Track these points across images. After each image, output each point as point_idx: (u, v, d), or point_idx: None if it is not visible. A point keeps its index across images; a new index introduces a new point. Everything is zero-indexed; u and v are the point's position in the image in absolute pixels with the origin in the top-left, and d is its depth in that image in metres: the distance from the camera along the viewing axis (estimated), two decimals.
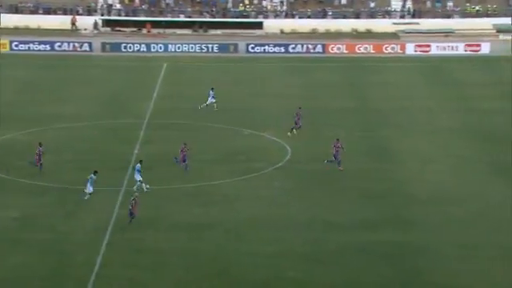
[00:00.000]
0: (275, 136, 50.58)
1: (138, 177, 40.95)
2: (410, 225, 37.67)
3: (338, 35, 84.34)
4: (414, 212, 39.11)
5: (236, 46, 79.19)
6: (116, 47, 78.31)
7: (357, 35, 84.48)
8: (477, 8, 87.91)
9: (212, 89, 57.10)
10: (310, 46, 79.33)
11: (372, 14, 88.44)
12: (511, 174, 43.98)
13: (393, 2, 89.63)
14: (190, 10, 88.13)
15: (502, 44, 79.56)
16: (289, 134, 50.33)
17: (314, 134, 51.67)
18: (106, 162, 45.33)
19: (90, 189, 39.79)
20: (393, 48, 79.23)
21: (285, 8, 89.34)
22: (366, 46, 79.29)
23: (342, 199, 40.84)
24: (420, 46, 79.25)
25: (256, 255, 34.71)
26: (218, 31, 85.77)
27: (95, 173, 40.09)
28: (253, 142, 50.15)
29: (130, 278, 32.55)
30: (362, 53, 78.55)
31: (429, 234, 36.65)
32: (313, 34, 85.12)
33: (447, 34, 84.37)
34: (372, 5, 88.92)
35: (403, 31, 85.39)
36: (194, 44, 78.91)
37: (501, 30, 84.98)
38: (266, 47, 79.33)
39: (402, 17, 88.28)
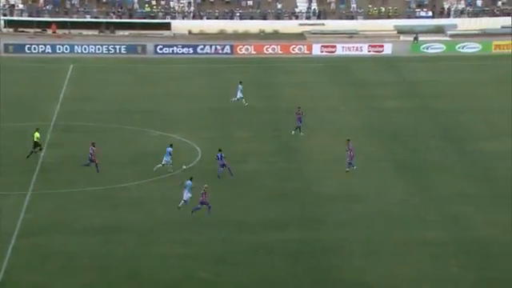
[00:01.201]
0: (185, 137, 50.23)
1: (187, 195, 38.53)
2: (318, 223, 38.04)
3: (245, 36, 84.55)
4: (322, 210, 39.52)
5: (144, 47, 78.38)
6: (19, 48, 76.34)
7: (264, 36, 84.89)
8: (379, 9, 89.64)
9: (240, 82, 57.81)
10: (218, 47, 79.23)
11: (279, 15, 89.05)
12: (412, 171, 44.95)
13: (299, 4, 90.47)
14: (95, 10, 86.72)
15: (402, 45, 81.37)
16: (292, 132, 50.71)
17: (224, 134, 51.60)
18: (12, 166, 44.07)
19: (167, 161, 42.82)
20: (300, 49, 79.96)
21: (192, 9, 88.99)
22: (274, 46, 79.74)
23: (251, 199, 40.89)
24: (326, 46, 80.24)
25: (167, 257, 34.42)
26: (126, 32, 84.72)
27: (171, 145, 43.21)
28: (162, 143, 49.67)
29: (36, 282, 31.74)
30: (270, 53, 78.96)
31: (336, 231, 37.11)
32: (221, 35, 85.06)
33: (351, 34, 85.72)
34: (279, 6, 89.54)
35: (309, 32, 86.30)
36: (101, 45, 77.70)
37: (402, 31, 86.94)
38: (175, 48, 78.82)
39: (308, 18, 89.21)
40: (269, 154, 47.63)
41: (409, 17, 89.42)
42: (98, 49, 77.30)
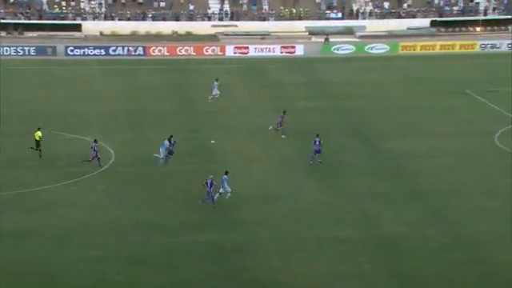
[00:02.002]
0: (98, 139, 49.61)
1: (226, 188, 40.21)
2: (234, 224, 38.25)
3: (158, 37, 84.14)
4: (238, 211, 39.74)
5: (54, 48, 77.05)
6: None
7: (177, 37, 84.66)
8: (290, 11, 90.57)
9: (216, 79, 58.28)
10: (131, 49, 78.60)
11: (191, 17, 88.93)
12: (325, 170, 45.65)
13: (211, 5, 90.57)
14: (3, 11, 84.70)
15: (314, 46, 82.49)
16: (283, 136, 50.92)
17: (138, 136, 51.27)
18: None
19: (162, 154, 44.15)
20: (213, 50, 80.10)
21: (103, 10, 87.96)
22: (187, 48, 79.62)
23: (167, 201, 40.78)
24: (239, 47, 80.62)
25: (81, 261, 34.03)
26: (35, 33, 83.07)
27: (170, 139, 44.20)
28: (75, 146, 48.97)
29: None
30: (184, 55, 78.81)
31: (251, 231, 37.40)
32: (133, 36, 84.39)
33: (264, 36, 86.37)
34: (191, 7, 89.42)
35: (222, 33, 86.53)
36: (9, 47, 76.01)
37: (313, 32, 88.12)
38: (86, 50, 77.81)
39: (221, 19, 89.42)
40: (184, 156, 47.57)
41: (319, 18, 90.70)
42: (6, 50, 75.61)
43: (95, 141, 45.13)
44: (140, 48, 78.78)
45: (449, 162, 46.76)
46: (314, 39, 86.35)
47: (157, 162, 45.09)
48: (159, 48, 79.22)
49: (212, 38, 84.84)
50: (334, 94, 63.93)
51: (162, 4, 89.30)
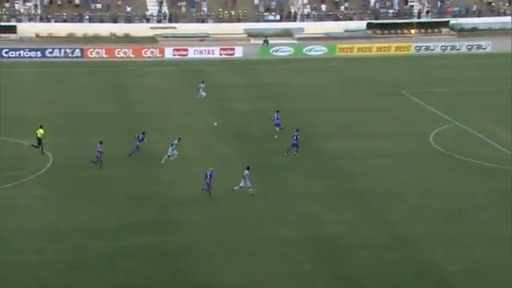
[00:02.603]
0: (35, 143, 48.79)
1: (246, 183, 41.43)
2: (175, 226, 38.04)
3: (96, 39, 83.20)
4: (178, 213, 39.54)
5: None
6: None
7: (115, 39, 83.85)
8: (229, 13, 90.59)
9: (203, 82, 58.70)
10: (68, 51, 77.54)
11: (129, 19, 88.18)
12: (266, 172, 45.76)
13: (149, 7, 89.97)
14: None
15: (253, 48, 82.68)
16: (276, 136, 51.45)
17: (76, 139, 50.58)
18: None
19: (172, 153, 45.19)
20: (152, 52, 79.57)
21: (39, 11, 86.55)
22: (126, 50, 78.92)
23: (107, 205, 40.32)
24: (178, 50, 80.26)
25: (19, 266, 33.42)
26: None
27: (179, 140, 45.48)
28: (11, 149, 48.07)
29: None
30: (122, 57, 78.09)
31: (192, 233, 37.25)
32: (70, 39, 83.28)
33: (203, 38, 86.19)
34: (128, 9, 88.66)
35: (161, 35, 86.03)
36: None
37: (252, 34, 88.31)
38: (22, 52, 76.46)
39: (159, 21, 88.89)
40: (124, 159, 47.10)
41: (258, 20, 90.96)
42: None
43: (101, 142, 45.11)
44: (77, 50, 77.77)
45: (386, 163, 47.35)
46: (252, 41, 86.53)
47: (175, 163, 45.52)
48: (97, 50, 78.32)
49: (151, 40, 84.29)
50: (273, 95, 64.16)
51: (99, 6, 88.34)
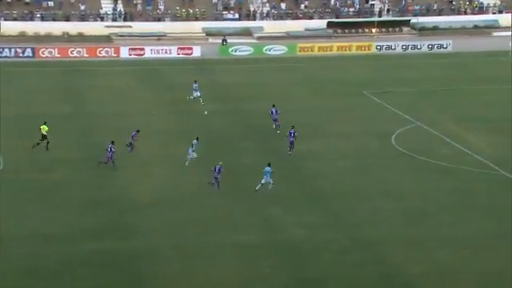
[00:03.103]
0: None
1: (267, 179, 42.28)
2: (133, 230, 37.90)
3: (48, 39, 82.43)
4: (136, 217, 39.40)
5: None
6: None
7: (68, 39, 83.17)
8: (187, 11, 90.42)
9: (195, 81, 58.25)
10: (18, 50, 76.76)
11: (83, 17, 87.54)
12: (227, 174, 45.70)
13: (103, 5, 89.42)
14: None
15: (211, 47, 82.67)
16: (278, 131, 52.73)
17: (28, 142, 50.07)
18: None
19: (192, 155, 45.93)
20: (107, 52, 79.10)
21: None
22: (79, 49, 78.37)
23: (61, 210, 40.00)
24: (134, 49, 79.93)
25: None
26: None
27: (197, 139, 46.01)
28: None
29: None
30: (76, 57, 77.52)
31: (150, 238, 37.15)
32: (21, 38, 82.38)
33: (160, 37, 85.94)
34: (82, 7, 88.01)
35: (116, 34, 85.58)
36: None
37: (210, 33, 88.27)
38: None
39: (114, 20, 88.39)
40: (78, 162, 46.79)
41: (216, 19, 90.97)
42: None
43: (112, 142, 45.62)
44: (28, 49, 77.01)
45: (348, 164, 47.72)
46: (211, 40, 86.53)
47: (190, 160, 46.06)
48: (49, 50, 77.64)
49: (105, 39, 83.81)
50: (233, 96, 64.25)
51: (51, 3, 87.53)
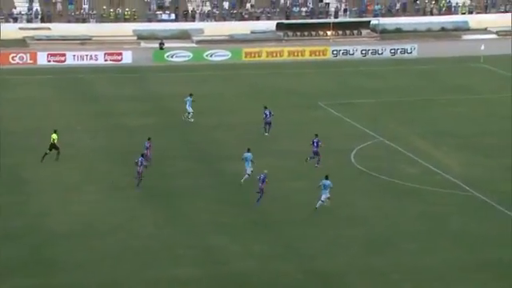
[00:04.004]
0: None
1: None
2: (52, 265, 37.43)
3: None
4: (56, 250, 38.93)
5: None
6: None
7: None
8: (115, 12, 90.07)
9: (190, 95, 58.75)
10: None
11: None
12: (161, 198, 45.62)
13: (17, 4, 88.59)
14: None
15: (144, 52, 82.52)
16: (266, 134, 55.75)
17: None
18: None
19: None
20: (21, 58, 78.42)
21: None
22: None
23: None
24: (54, 54, 79.39)
25: None
26: None
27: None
28: None
29: None
30: None
31: (74, 274, 36.71)
32: None
33: (84, 41, 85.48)
34: None
35: (33, 38, 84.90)
36: None
37: (142, 36, 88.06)
38: None
39: (30, 21, 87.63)
40: None
41: (149, 20, 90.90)
42: None
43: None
44: None
45: (302, 185, 47.89)
46: (143, 44, 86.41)
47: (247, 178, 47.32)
48: None
49: (20, 44, 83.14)
50: (169, 108, 64.12)
51: None
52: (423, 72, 78.98)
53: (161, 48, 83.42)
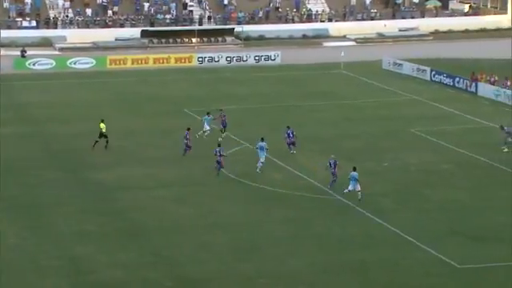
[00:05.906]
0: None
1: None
2: None
3: None
4: None
5: None
6: None
7: None
8: None
9: (208, 113, 57.67)
10: None
11: None
12: (25, 210, 44.59)
13: None
14: None
15: (4, 60, 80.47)
16: (223, 136, 56.35)
17: None
18: None
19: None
20: None
21: None
22: None
23: None
24: None
25: None
26: None
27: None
28: None
29: None
30: None
31: None
32: None
33: None
34: None
35: None
36: None
37: (2, 44, 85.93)
38: None
39: None
40: None
41: (9, 27, 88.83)
42: None
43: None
44: None
45: (169, 193, 47.65)
46: (3, 52, 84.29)
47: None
48: None
49: None
50: (31, 117, 62.85)
51: None
52: (287, 78, 79.98)
53: (22, 56, 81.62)
